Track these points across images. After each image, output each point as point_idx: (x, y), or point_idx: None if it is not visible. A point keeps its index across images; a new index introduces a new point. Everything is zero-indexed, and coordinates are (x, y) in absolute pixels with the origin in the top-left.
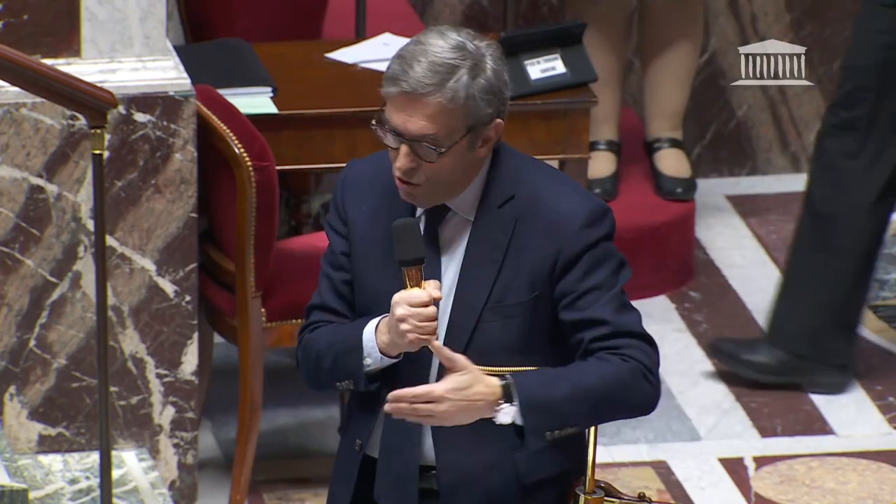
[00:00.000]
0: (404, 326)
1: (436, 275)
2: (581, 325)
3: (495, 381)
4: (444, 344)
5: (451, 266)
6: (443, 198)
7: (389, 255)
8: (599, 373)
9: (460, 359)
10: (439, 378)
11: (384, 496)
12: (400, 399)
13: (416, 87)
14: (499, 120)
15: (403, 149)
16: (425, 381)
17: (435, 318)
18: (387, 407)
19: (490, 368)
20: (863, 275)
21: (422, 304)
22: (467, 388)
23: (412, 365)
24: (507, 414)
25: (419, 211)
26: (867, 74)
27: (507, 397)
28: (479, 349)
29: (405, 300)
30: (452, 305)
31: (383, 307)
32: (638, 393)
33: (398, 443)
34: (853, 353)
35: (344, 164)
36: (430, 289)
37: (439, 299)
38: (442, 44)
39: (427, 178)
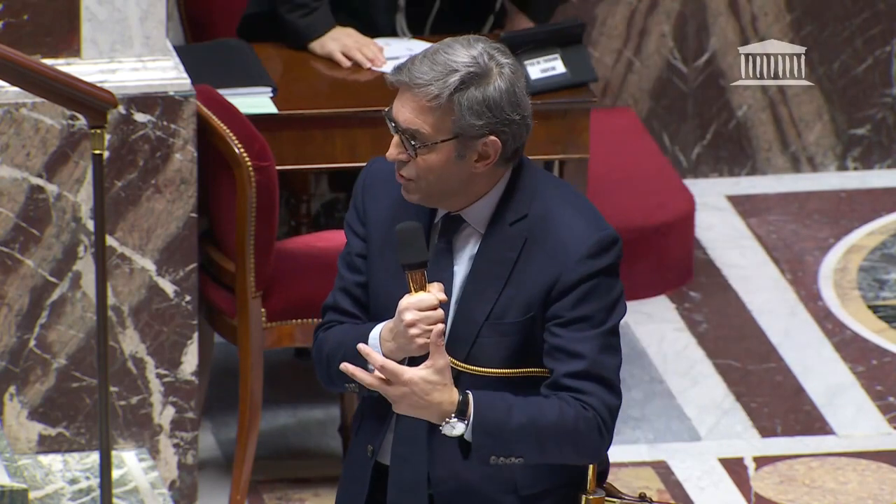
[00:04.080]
0: (414, 331)
1: (448, 284)
2: (558, 352)
3: (456, 396)
4: None
5: (460, 277)
6: (438, 202)
7: None
8: (557, 415)
9: (444, 361)
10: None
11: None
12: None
13: (407, 78)
14: (493, 138)
15: (395, 138)
16: None
17: (443, 321)
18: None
19: (478, 369)
20: None
21: (431, 307)
22: (432, 390)
23: None
24: (456, 428)
25: (438, 217)
26: None
27: (461, 413)
28: (476, 362)
29: (414, 305)
30: (455, 317)
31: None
32: (588, 443)
33: (408, 451)
34: None
35: (343, 165)
36: (434, 292)
37: (444, 301)
38: (460, 50)
39: (416, 175)
